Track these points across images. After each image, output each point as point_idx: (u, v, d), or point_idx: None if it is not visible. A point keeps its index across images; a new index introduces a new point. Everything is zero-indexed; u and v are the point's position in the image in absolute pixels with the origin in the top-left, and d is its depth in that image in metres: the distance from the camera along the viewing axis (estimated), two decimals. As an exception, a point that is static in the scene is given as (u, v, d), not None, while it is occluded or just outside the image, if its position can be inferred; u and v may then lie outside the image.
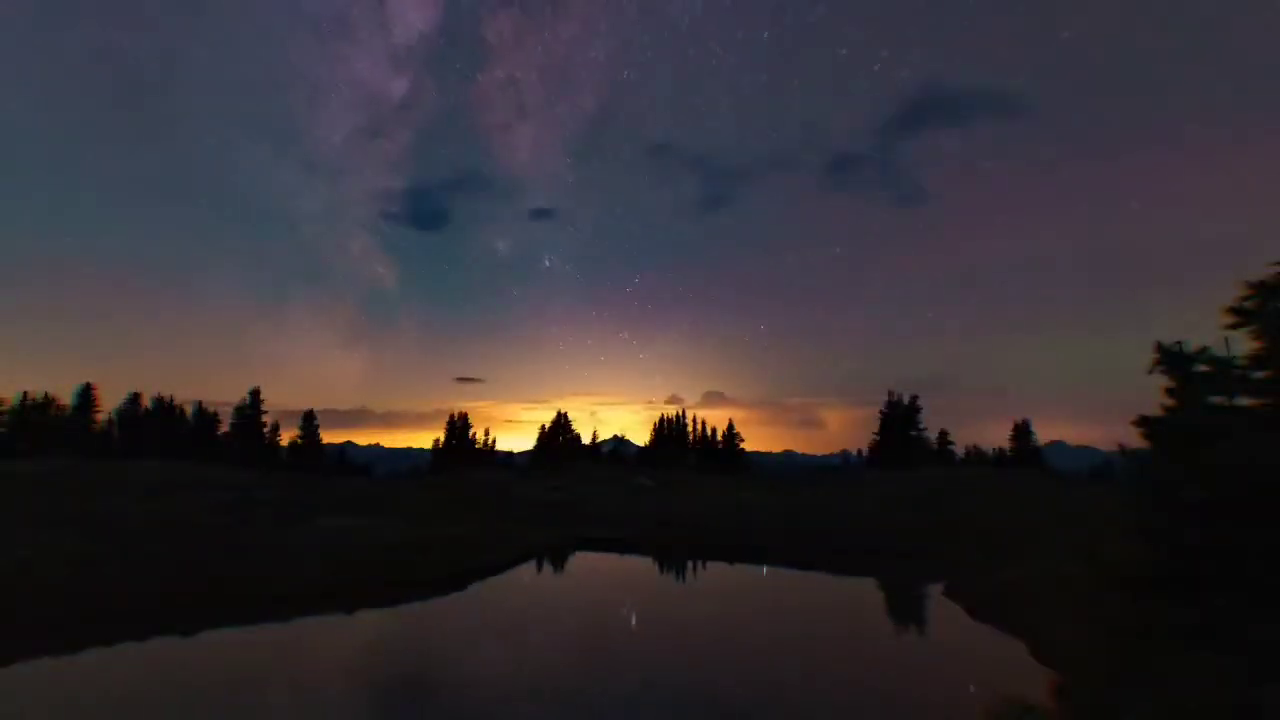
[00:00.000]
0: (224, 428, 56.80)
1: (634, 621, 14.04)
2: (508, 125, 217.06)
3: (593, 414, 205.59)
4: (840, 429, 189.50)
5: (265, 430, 56.81)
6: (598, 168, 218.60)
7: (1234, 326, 6.46)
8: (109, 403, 60.05)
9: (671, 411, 74.41)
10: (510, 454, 71.20)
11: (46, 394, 54.35)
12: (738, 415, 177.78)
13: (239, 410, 56.38)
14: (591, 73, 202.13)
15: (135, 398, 56.72)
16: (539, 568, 20.14)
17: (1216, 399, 6.49)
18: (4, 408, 51.70)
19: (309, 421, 57.94)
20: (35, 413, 53.48)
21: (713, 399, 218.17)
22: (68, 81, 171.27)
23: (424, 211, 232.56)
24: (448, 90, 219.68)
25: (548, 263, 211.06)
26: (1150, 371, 6.96)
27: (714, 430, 62.77)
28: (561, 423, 64.83)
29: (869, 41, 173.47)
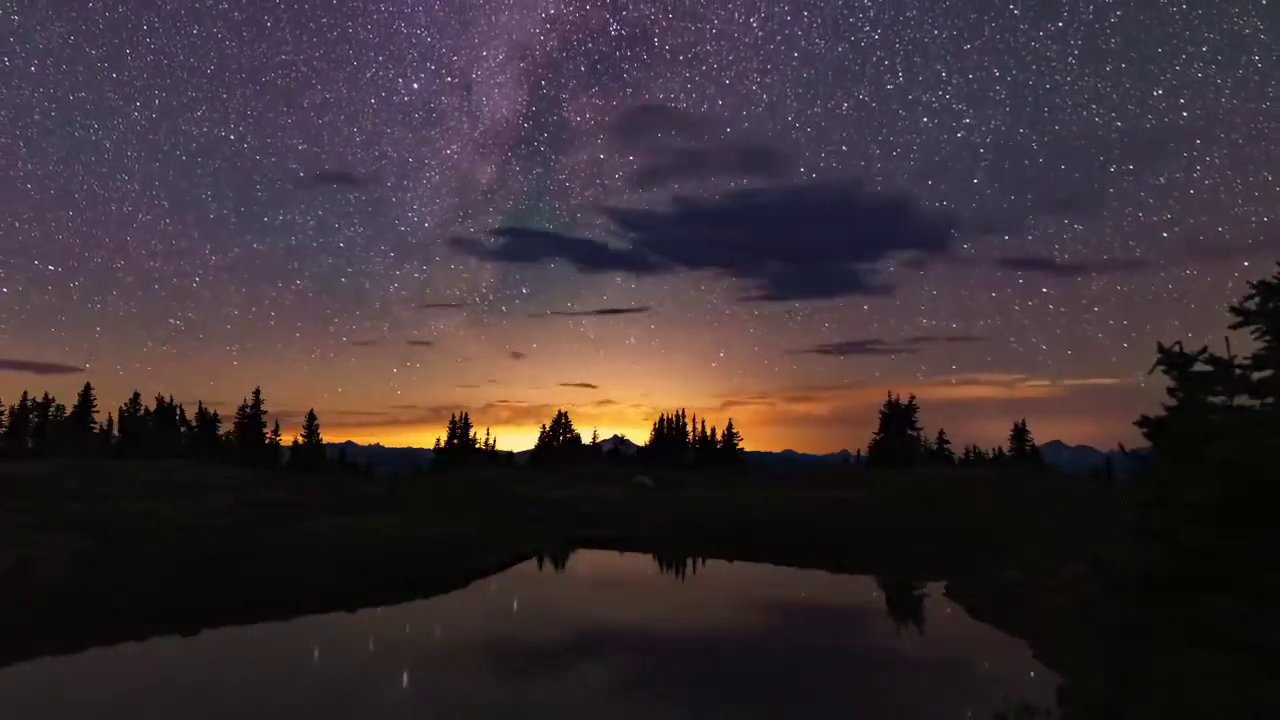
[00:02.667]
0: (226, 428, 56.81)
1: (635, 618, 14.04)
2: (593, 204, 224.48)
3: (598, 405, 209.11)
4: (840, 429, 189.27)
5: (266, 430, 56.84)
6: (678, 246, 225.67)
7: (1236, 326, 6.45)
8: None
9: (672, 411, 74.47)
10: (510, 454, 71.20)
11: (46, 394, 54.43)
12: (738, 415, 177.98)
13: (241, 410, 56.42)
14: (671, 150, 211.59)
15: (136, 398, 56.72)
16: (540, 566, 20.16)
17: (1217, 399, 6.49)
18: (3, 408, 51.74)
19: (310, 421, 57.97)
20: (36, 413, 53.52)
21: (713, 398, 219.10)
22: (179, 173, 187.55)
23: (512, 291, 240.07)
24: (533, 173, 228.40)
25: (631, 340, 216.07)
26: (1151, 371, 6.96)
27: (714, 430, 62.87)
28: (562, 422, 64.88)
29: (948, 107, 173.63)
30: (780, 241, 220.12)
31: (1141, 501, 6.73)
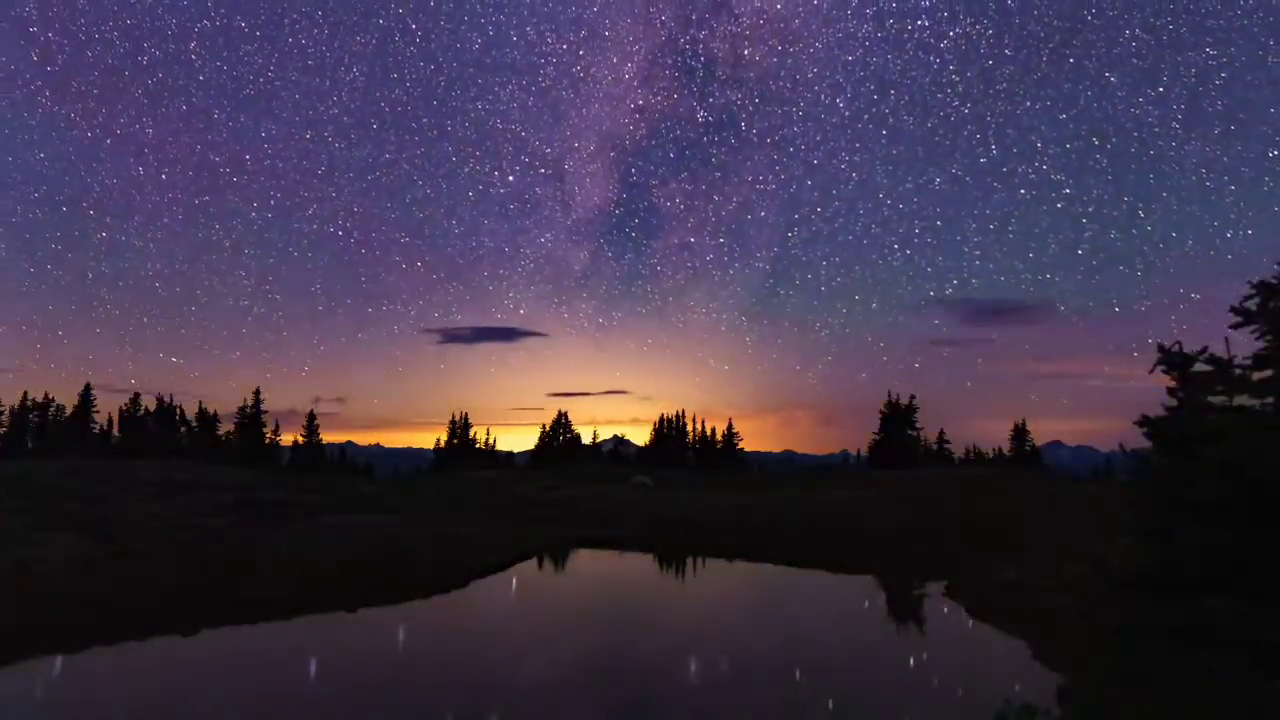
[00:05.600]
0: (226, 428, 56.78)
1: (636, 617, 14.03)
2: (683, 287, 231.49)
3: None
4: (840, 429, 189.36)
5: (266, 430, 56.83)
6: (769, 326, 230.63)
7: (1236, 326, 6.45)
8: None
9: (671, 411, 74.66)
10: (510, 454, 71.27)
11: (47, 394, 54.47)
12: (738, 415, 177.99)
13: (241, 410, 56.41)
14: (760, 231, 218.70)
15: (136, 398, 56.74)
16: (539, 566, 20.15)
17: (1217, 399, 6.49)
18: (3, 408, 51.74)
19: (310, 421, 57.97)
20: (36, 413, 53.53)
21: (713, 399, 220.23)
22: (291, 267, 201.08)
23: (603, 373, 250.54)
24: (625, 258, 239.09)
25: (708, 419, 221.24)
26: (1151, 371, 6.96)
27: (713, 430, 62.88)
28: (561, 423, 64.88)
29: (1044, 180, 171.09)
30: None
31: (1141, 501, 6.73)
